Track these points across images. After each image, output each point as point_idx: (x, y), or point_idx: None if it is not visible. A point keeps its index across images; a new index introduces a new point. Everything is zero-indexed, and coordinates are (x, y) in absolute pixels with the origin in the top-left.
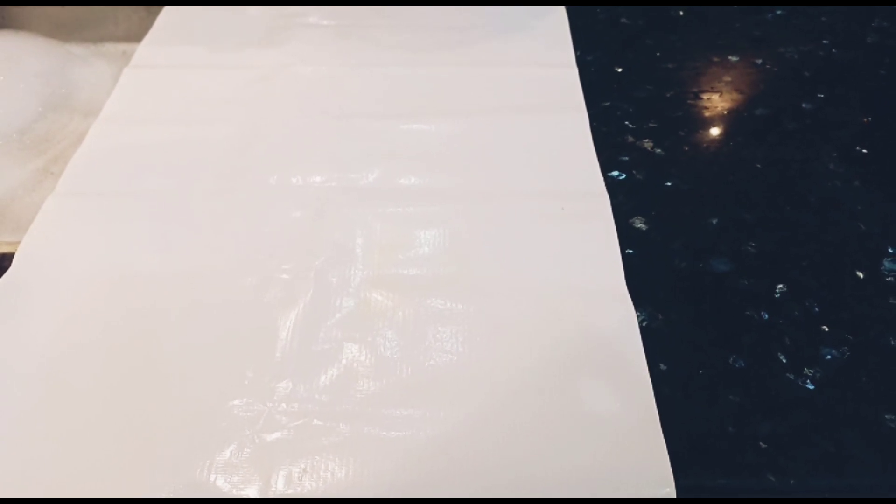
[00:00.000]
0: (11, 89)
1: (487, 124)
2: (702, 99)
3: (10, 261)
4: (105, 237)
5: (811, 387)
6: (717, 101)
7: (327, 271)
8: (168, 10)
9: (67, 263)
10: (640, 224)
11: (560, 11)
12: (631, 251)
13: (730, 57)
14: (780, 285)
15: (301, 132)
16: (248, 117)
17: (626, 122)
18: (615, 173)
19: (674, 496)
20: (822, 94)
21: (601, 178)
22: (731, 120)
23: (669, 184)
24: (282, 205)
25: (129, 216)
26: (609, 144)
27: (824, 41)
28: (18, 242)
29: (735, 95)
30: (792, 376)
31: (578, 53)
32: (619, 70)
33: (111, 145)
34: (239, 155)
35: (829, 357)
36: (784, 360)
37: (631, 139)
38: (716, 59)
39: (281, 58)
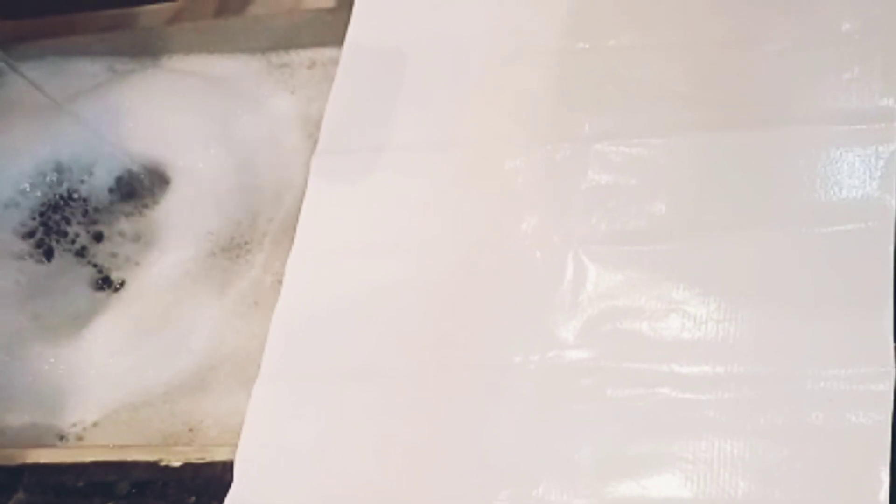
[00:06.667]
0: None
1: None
2: None
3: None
4: (325, 443)
5: None
6: None
7: None
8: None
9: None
10: None
11: None
12: None
13: None
14: None
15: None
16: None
17: None
18: None
19: None
20: None
21: None
22: None
23: None
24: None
25: (347, 411)
26: None
27: None
28: (231, 447)
29: None
30: None
31: None
32: None
33: (312, 299)
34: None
35: None
36: None
37: None
38: None
39: (495, 124)
